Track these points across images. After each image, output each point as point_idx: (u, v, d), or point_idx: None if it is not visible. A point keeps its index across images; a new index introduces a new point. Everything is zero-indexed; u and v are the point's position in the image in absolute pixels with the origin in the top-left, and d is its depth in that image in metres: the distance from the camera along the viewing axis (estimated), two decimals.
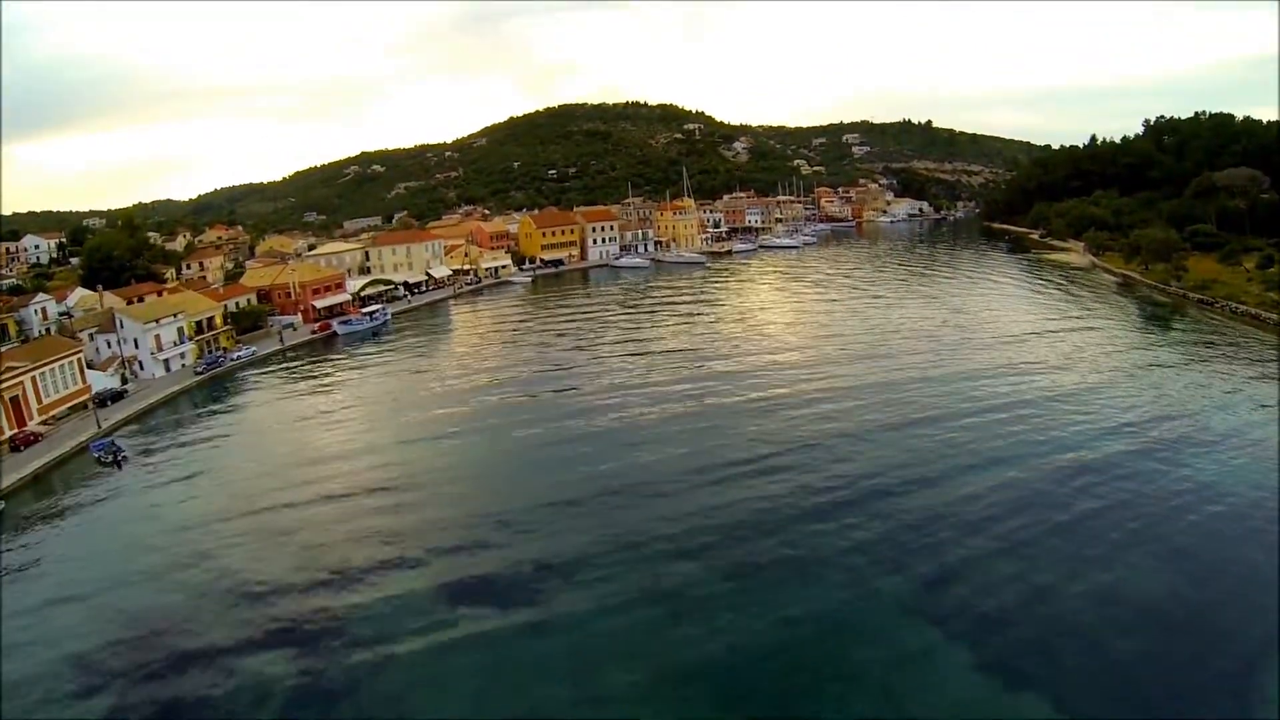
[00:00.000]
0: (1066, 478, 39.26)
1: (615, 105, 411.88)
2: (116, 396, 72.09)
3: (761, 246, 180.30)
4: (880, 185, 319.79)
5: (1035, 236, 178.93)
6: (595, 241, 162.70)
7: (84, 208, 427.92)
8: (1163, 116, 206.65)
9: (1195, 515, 35.09)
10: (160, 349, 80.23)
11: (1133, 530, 33.68)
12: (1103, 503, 36.28)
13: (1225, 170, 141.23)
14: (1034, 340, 71.06)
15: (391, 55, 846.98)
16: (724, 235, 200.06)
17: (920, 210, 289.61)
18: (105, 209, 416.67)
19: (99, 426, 61.78)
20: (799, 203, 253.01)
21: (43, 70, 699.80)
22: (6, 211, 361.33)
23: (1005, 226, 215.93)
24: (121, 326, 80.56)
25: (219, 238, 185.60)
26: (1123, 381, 56.07)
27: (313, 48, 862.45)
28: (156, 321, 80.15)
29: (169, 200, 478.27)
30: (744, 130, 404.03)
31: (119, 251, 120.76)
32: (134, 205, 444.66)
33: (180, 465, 51.35)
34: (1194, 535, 33.30)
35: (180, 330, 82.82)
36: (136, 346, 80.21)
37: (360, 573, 33.18)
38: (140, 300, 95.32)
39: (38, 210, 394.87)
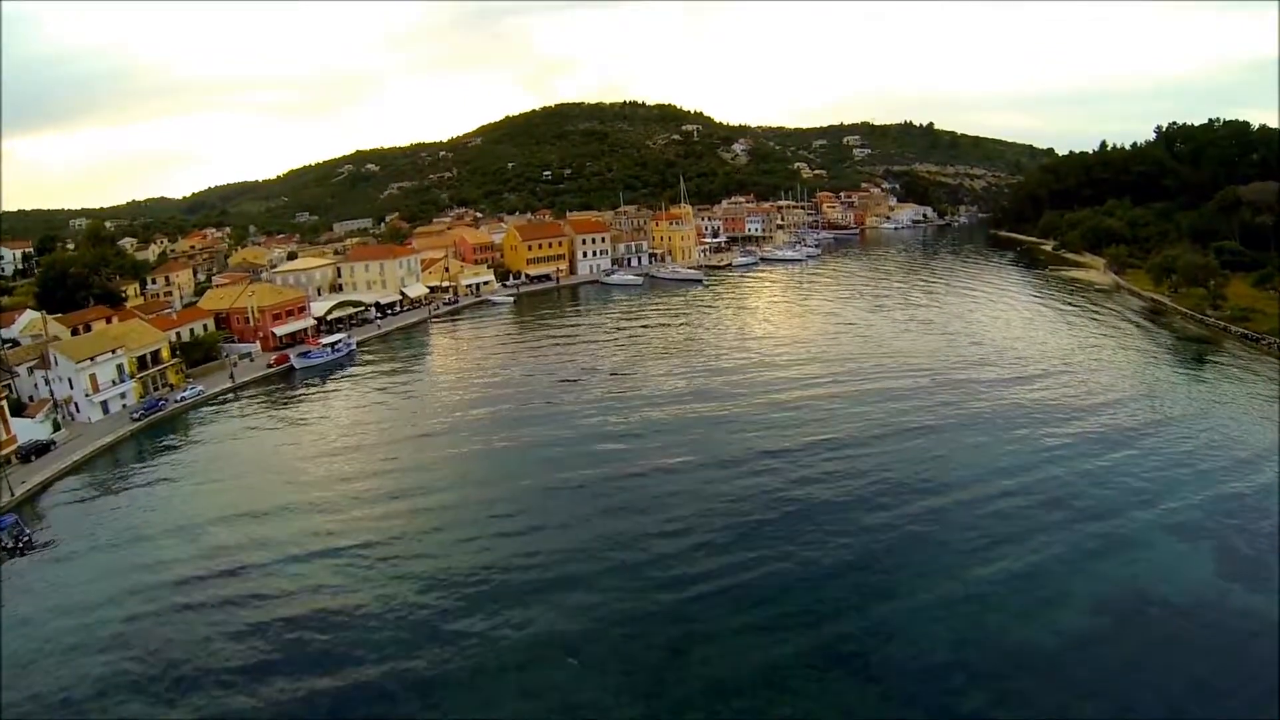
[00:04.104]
0: (1132, 610, 31.74)
1: (612, 105, 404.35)
2: (42, 449, 64.17)
3: (763, 259, 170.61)
4: (883, 190, 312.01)
5: (1049, 249, 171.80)
6: (585, 255, 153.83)
7: (77, 205, 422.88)
8: (1175, 122, 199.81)
9: None
10: (96, 389, 72.57)
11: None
12: (1188, 670, 28.63)
13: (1251, 184, 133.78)
14: (1071, 385, 63.67)
15: (391, 50, 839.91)
16: (723, 246, 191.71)
17: (924, 216, 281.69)
18: (98, 207, 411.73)
19: (11, 494, 54.03)
20: (801, 208, 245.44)
21: (40, 65, 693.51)
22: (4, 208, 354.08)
23: (1014, 235, 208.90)
24: (56, 364, 72.93)
25: (192, 247, 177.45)
26: (1182, 460, 47.79)
27: (312, 42, 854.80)
28: (91, 359, 72.37)
29: (163, 198, 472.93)
30: (743, 131, 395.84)
31: (75, 269, 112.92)
32: (127, 203, 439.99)
33: (87, 552, 43.94)
34: None
35: (120, 367, 75.14)
36: (71, 386, 72.60)
37: None
38: (87, 328, 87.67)
39: (28, 209, 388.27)
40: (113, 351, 74.69)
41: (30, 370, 76.07)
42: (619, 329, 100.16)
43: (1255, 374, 65.79)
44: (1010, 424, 54.73)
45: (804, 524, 40.15)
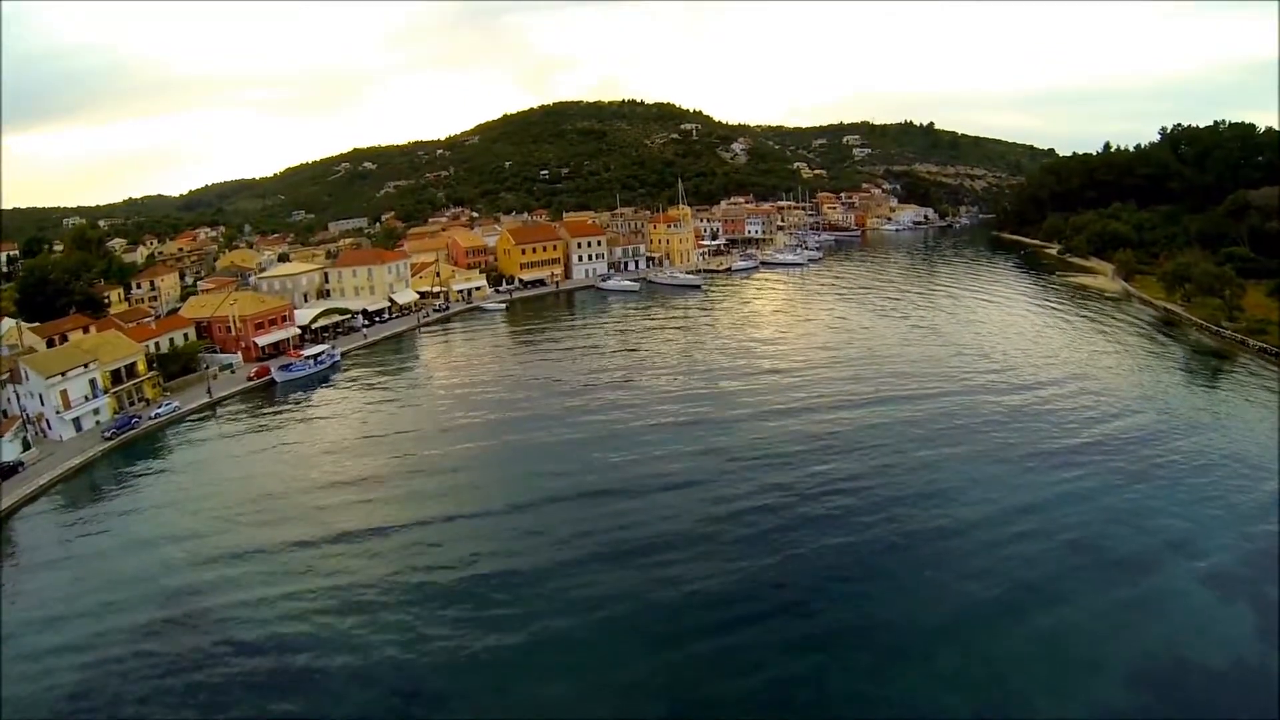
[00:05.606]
0: (1172, 680, 28.76)
1: (611, 103, 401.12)
2: (10, 471, 60.99)
3: (763, 264, 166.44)
4: (883, 190, 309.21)
5: (1054, 252, 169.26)
6: (581, 259, 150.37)
7: (74, 203, 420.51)
8: (1179, 124, 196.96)
9: None
10: (68, 406, 69.49)
11: None
12: None
13: (1261, 189, 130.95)
14: (1088, 405, 60.46)
15: (390, 48, 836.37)
16: (722, 248, 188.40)
17: (925, 218, 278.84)
18: (94, 205, 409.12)
19: None
20: (801, 209, 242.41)
21: (39, 62, 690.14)
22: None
23: (1018, 238, 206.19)
24: (26, 378, 69.84)
25: (180, 249, 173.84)
26: (1209, 489, 44.85)
27: (311, 40, 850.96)
28: (62, 374, 69.30)
29: (160, 196, 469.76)
30: (742, 130, 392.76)
31: (56, 274, 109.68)
32: (124, 201, 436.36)
33: (47, 571, 41.98)
34: None
35: (93, 382, 72.05)
36: (42, 403, 69.54)
37: None
38: (63, 338, 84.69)
39: (23, 207, 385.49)
40: (85, 365, 71.55)
41: (2, 385, 73.06)
42: (615, 338, 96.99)
43: (1277, 391, 62.93)
44: (1027, 448, 51.80)
45: (807, 567, 37.26)
